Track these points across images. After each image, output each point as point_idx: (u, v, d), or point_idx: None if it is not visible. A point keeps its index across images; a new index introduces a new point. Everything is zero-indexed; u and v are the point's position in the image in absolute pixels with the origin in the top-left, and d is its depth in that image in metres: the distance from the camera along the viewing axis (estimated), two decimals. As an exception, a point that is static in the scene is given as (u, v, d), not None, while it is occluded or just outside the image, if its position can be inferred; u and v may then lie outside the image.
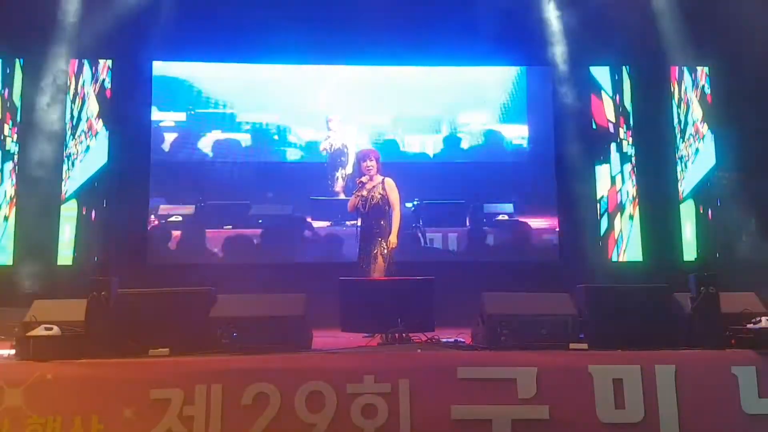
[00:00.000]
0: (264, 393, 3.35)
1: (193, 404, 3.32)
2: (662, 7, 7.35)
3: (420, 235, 7.69)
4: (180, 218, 7.56)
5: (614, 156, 7.84)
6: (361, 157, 5.66)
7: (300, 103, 7.87)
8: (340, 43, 7.56)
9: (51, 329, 3.55)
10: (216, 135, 7.77)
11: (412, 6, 7.50)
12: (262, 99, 7.85)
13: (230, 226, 7.63)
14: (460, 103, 7.97)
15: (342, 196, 7.61)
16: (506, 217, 7.85)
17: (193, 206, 7.61)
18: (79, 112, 7.45)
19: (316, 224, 7.73)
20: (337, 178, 7.91)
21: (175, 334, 3.72)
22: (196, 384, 3.34)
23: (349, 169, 7.64)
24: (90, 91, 7.49)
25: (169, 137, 7.66)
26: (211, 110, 7.77)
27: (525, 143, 7.94)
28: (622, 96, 7.94)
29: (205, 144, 7.75)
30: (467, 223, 7.87)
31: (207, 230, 7.56)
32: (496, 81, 8.02)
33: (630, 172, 7.81)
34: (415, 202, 7.69)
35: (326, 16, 7.47)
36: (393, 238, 5.42)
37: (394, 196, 5.53)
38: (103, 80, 7.52)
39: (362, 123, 7.93)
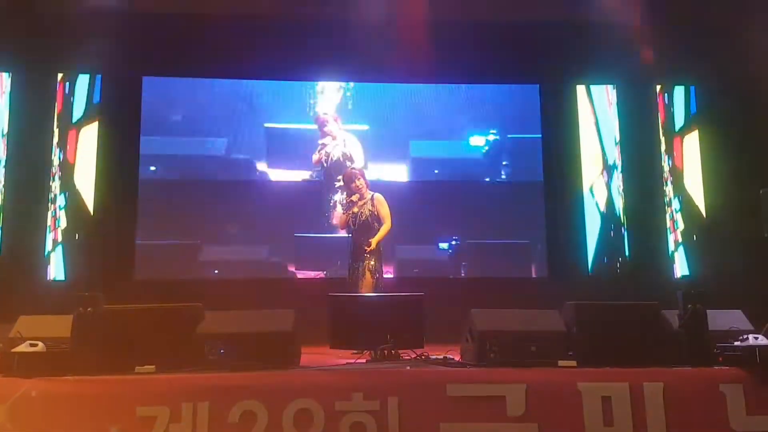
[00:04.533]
0: (251, 411, 3.31)
1: (179, 422, 3.28)
2: (648, 24, 7.45)
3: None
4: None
5: (602, 171, 7.90)
6: (348, 179, 5.65)
7: (295, 114, 7.23)
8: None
9: (36, 345, 3.51)
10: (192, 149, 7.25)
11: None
12: (252, 110, 7.40)
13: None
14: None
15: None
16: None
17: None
18: (66, 126, 7.36)
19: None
20: (335, 204, 6.79)
21: (161, 350, 3.68)
22: (183, 401, 3.31)
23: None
24: (78, 105, 7.43)
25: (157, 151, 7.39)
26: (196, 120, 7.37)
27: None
28: (608, 113, 8.02)
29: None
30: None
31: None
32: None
33: (618, 187, 7.87)
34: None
35: (334, 42, 7.26)
36: (374, 241, 5.37)
37: (384, 211, 5.54)
38: (92, 94, 7.48)
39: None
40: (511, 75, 7.88)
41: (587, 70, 7.84)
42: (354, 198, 5.58)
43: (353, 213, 5.54)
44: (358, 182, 5.59)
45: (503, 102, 7.80)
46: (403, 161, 7.42)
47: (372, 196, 5.58)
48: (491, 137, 7.62)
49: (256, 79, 7.62)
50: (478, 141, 7.61)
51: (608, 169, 7.88)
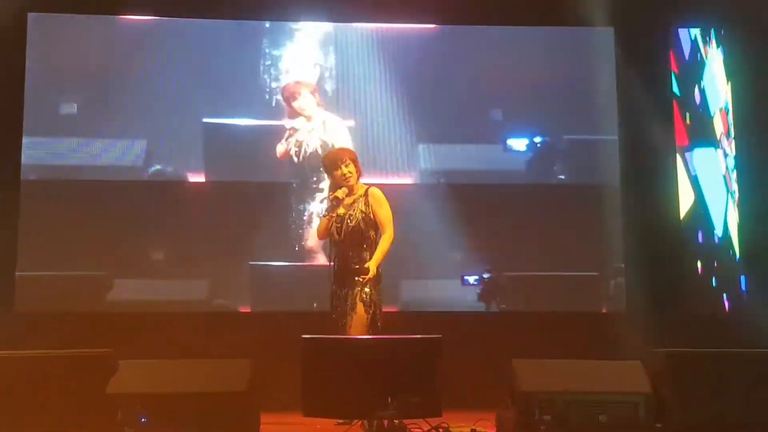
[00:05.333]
0: (188, 507, 3.33)
1: None
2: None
3: None
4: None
5: (706, 162, 7.91)
6: (331, 165, 5.60)
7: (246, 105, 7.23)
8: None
9: None
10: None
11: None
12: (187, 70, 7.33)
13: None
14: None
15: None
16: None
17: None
18: None
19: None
20: (311, 218, 6.98)
21: (55, 417, 3.69)
22: (86, 494, 3.32)
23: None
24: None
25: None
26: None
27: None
28: (715, 73, 8.04)
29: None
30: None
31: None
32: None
33: (730, 186, 7.87)
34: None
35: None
36: (372, 265, 5.38)
37: (383, 212, 5.51)
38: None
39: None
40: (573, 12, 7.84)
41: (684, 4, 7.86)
42: (339, 194, 5.55)
43: (338, 216, 5.52)
44: (345, 169, 5.55)
45: (557, 72, 7.73)
46: (407, 173, 7.45)
47: (366, 190, 5.57)
48: (538, 139, 7.62)
49: (188, 15, 7.52)
50: (518, 144, 7.62)
51: (717, 154, 7.90)
